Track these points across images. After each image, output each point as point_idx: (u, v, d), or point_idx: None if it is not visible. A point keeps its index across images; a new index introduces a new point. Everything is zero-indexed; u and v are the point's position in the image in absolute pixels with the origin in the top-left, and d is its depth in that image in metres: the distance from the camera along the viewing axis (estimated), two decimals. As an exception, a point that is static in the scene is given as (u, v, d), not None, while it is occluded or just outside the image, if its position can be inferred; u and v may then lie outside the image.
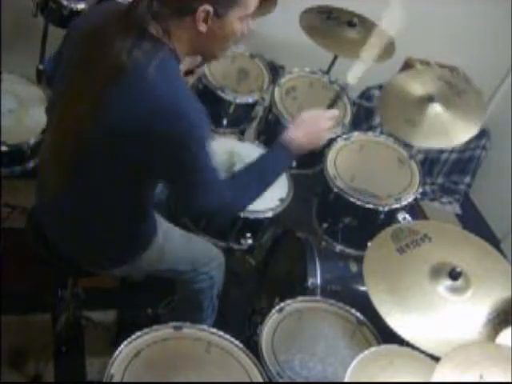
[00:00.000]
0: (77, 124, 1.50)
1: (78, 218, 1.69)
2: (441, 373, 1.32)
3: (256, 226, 2.25)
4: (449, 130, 2.28)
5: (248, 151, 2.41)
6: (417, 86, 2.40)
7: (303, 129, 1.77)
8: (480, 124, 2.27)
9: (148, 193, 1.69)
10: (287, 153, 1.74)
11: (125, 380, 1.52)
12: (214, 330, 1.71)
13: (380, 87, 3.47)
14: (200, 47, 1.52)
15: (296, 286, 2.19)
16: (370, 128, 3.35)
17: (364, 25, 2.77)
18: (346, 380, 1.52)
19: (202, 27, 1.44)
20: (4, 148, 2.13)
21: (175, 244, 1.89)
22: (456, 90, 2.36)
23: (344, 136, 2.54)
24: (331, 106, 1.97)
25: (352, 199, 2.29)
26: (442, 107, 2.31)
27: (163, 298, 2.39)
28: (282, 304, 1.90)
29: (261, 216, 2.19)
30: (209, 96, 2.57)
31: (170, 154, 1.46)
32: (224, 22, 1.46)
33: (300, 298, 1.95)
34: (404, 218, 2.12)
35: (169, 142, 1.43)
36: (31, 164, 2.22)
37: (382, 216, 2.29)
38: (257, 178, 1.69)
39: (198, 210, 1.64)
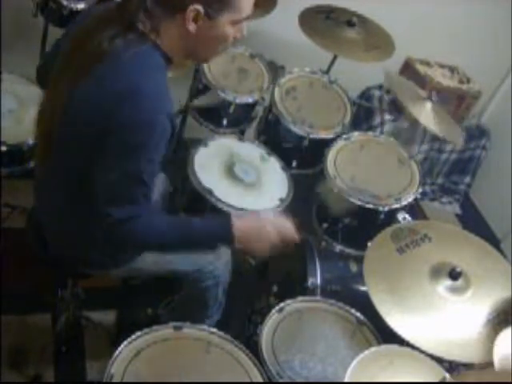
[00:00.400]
0: (52, 118, 1.51)
1: (72, 218, 1.68)
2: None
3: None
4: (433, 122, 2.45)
5: (248, 151, 2.41)
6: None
7: (250, 223, 1.62)
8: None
9: None
10: (225, 232, 1.58)
11: (125, 380, 1.52)
12: (214, 330, 1.70)
13: (380, 87, 3.47)
14: (190, 47, 1.51)
15: (296, 286, 2.19)
16: (370, 128, 3.35)
17: (363, 25, 2.77)
18: (346, 380, 1.52)
19: (192, 26, 1.43)
20: (4, 148, 2.13)
21: None
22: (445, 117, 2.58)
23: (344, 136, 2.54)
24: None
25: (352, 199, 2.29)
26: (431, 108, 2.47)
27: (163, 298, 2.38)
28: (281, 304, 1.90)
29: (261, 216, 2.19)
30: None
31: (114, 139, 1.41)
32: (215, 25, 1.45)
33: (300, 298, 1.95)
34: (404, 218, 2.12)
35: (118, 125, 1.40)
36: (31, 164, 2.21)
37: (382, 216, 2.29)
38: (179, 233, 1.57)
39: (103, 217, 1.49)
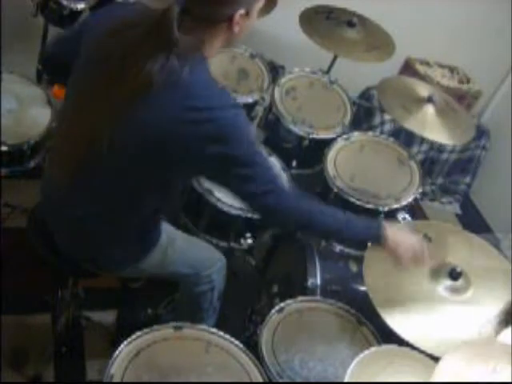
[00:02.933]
0: (91, 132, 1.51)
1: (86, 219, 1.67)
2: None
3: (256, 225, 2.24)
4: (437, 129, 2.43)
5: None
6: (420, 87, 2.57)
7: (403, 242, 1.70)
8: (466, 139, 2.50)
9: (173, 195, 1.70)
10: (377, 234, 1.70)
11: (125, 380, 1.52)
12: (214, 330, 1.71)
13: (380, 87, 3.47)
14: (228, 43, 1.57)
15: (296, 286, 2.19)
16: (370, 128, 3.35)
17: (363, 25, 2.77)
18: (346, 380, 1.52)
19: (237, 28, 1.49)
20: (4, 148, 2.13)
21: (177, 247, 1.88)
22: (451, 107, 2.55)
23: (344, 136, 2.54)
24: None
25: (352, 199, 2.29)
26: (434, 110, 2.45)
27: (163, 298, 2.39)
28: (282, 304, 1.90)
29: (261, 216, 2.19)
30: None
31: (217, 150, 1.46)
32: (251, 17, 1.52)
33: (300, 298, 1.95)
34: (404, 218, 2.12)
35: (212, 136, 1.45)
36: (31, 164, 2.21)
37: (382, 216, 2.29)
38: (336, 221, 1.68)
39: (263, 206, 1.60)
